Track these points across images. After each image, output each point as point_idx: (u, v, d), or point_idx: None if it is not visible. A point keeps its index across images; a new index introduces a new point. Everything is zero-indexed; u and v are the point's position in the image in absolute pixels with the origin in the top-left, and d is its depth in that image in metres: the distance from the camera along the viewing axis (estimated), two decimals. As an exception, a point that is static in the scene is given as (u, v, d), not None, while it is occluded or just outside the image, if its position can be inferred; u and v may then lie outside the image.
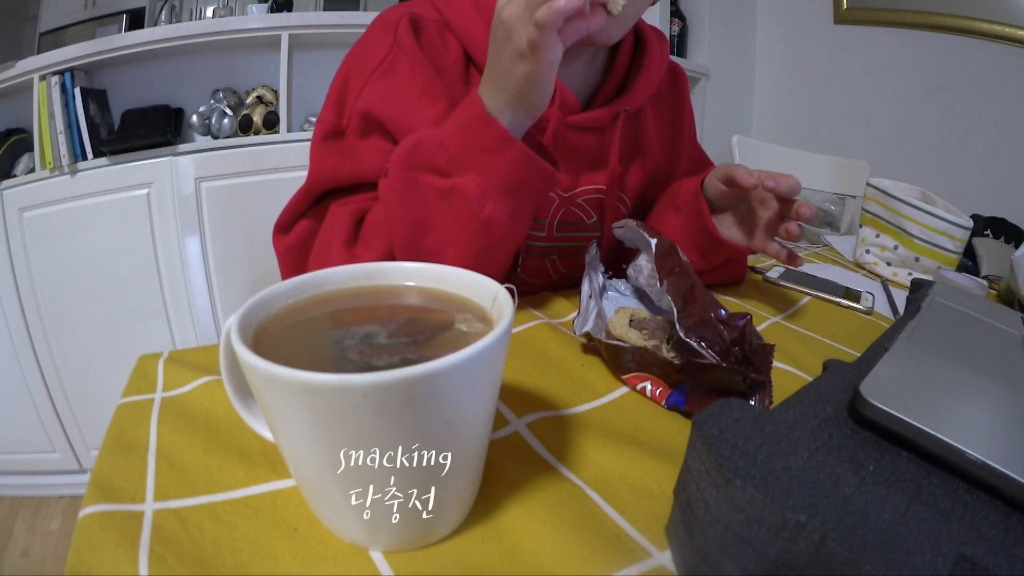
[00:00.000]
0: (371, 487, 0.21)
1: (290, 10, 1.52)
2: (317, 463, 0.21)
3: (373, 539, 0.23)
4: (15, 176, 1.34)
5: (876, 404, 0.24)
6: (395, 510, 0.22)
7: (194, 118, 1.39)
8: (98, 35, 1.48)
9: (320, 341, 0.24)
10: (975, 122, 1.61)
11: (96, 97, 1.35)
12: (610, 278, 0.54)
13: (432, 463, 0.21)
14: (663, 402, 0.36)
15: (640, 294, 0.52)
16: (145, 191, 1.33)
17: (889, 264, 0.77)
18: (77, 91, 1.27)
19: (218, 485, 0.27)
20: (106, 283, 1.37)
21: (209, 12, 1.55)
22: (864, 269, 0.81)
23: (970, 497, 0.21)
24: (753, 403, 0.33)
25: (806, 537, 0.18)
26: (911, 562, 0.17)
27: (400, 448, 0.20)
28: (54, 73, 1.27)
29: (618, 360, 0.38)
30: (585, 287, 0.45)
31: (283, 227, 0.55)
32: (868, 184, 0.81)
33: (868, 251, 0.80)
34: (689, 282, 0.41)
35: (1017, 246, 0.85)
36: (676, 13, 1.99)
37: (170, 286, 1.38)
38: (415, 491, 0.22)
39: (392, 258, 0.46)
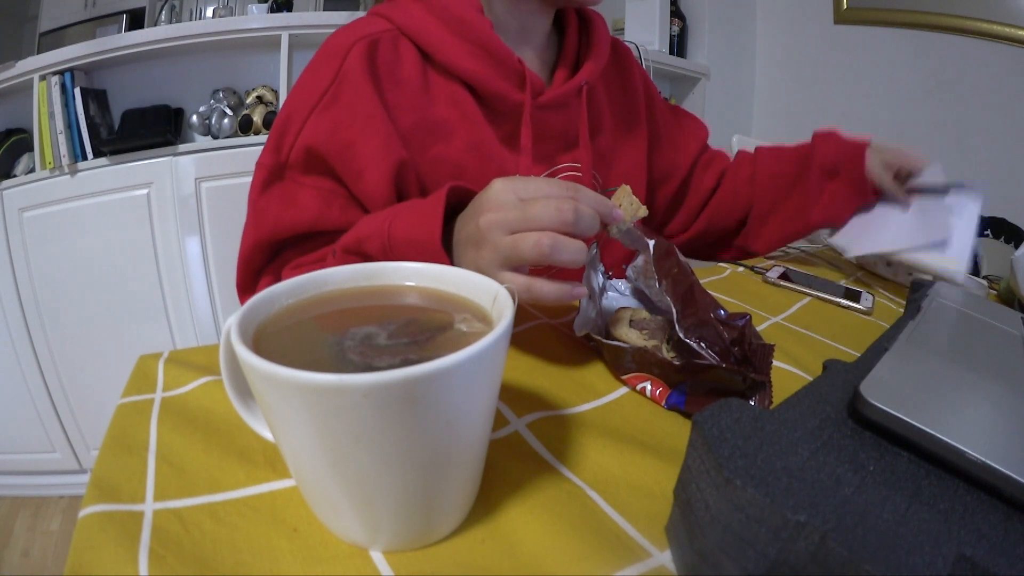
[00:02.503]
0: (371, 487, 0.21)
1: (290, 10, 1.52)
2: (317, 463, 0.21)
3: (373, 539, 0.23)
4: (15, 176, 1.35)
5: (876, 404, 0.24)
6: (395, 510, 0.22)
7: (194, 118, 1.39)
8: (98, 35, 1.48)
9: (320, 342, 0.24)
10: (975, 122, 1.61)
11: (96, 97, 1.35)
12: (610, 278, 0.54)
13: (432, 463, 0.21)
14: (663, 402, 0.36)
15: (640, 294, 0.52)
16: (145, 191, 1.33)
17: (889, 264, 0.77)
18: (77, 91, 1.27)
19: (218, 485, 0.27)
20: (106, 283, 1.37)
21: (209, 12, 1.55)
22: (864, 269, 0.81)
23: (970, 497, 0.21)
24: (753, 403, 0.33)
25: (806, 537, 0.18)
26: (911, 562, 0.17)
27: (400, 448, 0.20)
28: (54, 73, 1.27)
29: (618, 360, 0.38)
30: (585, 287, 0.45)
31: (245, 286, 0.55)
32: (868, 184, 0.81)
33: (868, 251, 0.80)
34: (688, 283, 0.40)
35: (1017, 246, 0.85)
36: (676, 13, 1.99)
37: (170, 286, 1.38)
38: (415, 491, 0.22)
39: None
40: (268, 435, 0.28)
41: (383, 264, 0.29)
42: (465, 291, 0.28)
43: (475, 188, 0.55)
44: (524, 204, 0.34)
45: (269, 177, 0.52)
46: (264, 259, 0.54)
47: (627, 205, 0.41)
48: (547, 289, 0.34)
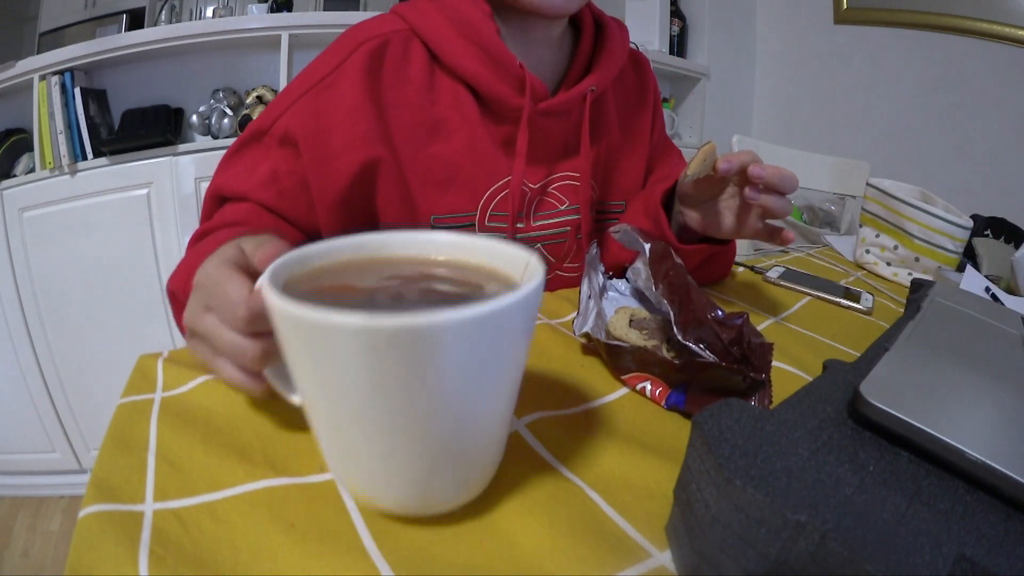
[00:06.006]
0: (394, 439, 0.22)
1: (290, 10, 1.52)
2: (343, 414, 0.21)
3: (392, 498, 0.24)
4: (15, 176, 1.35)
5: (876, 404, 0.24)
6: (414, 467, 0.23)
7: (194, 118, 1.39)
8: (98, 35, 1.48)
9: (349, 300, 0.24)
10: (975, 122, 1.62)
11: (96, 97, 1.35)
12: (610, 278, 0.54)
13: (455, 420, 0.22)
14: (663, 402, 0.36)
15: (639, 295, 0.52)
16: (145, 191, 1.33)
17: (889, 264, 0.77)
18: (77, 91, 1.27)
19: (217, 484, 0.27)
20: (106, 283, 1.37)
21: (209, 12, 1.55)
22: (864, 269, 0.81)
23: (970, 497, 0.21)
24: (753, 402, 0.33)
25: (806, 537, 0.18)
26: (911, 562, 0.17)
27: (423, 400, 0.21)
28: (54, 73, 1.27)
29: (617, 360, 0.38)
30: (585, 287, 0.45)
31: (198, 237, 0.54)
32: (868, 184, 0.81)
33: (868, 251, 0.80)
34: (684, 285, 0.40)
35: (1017, 246, 0.85)
36: (676, 13, 1.99)
37: (170, 286, 1.38)
38: (436, 449, 0.22)
39: None
40: (296, 398, 0.28)
41: (417, 234, 0.30)
42: (497, 262, 0.28)
43: (467, 188, 0.55)
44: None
45: (249, 138, 0.54)
46: (215, 208, 0.55)
47: (697, 162, 0.45)
48: (228, 373, 0.29)
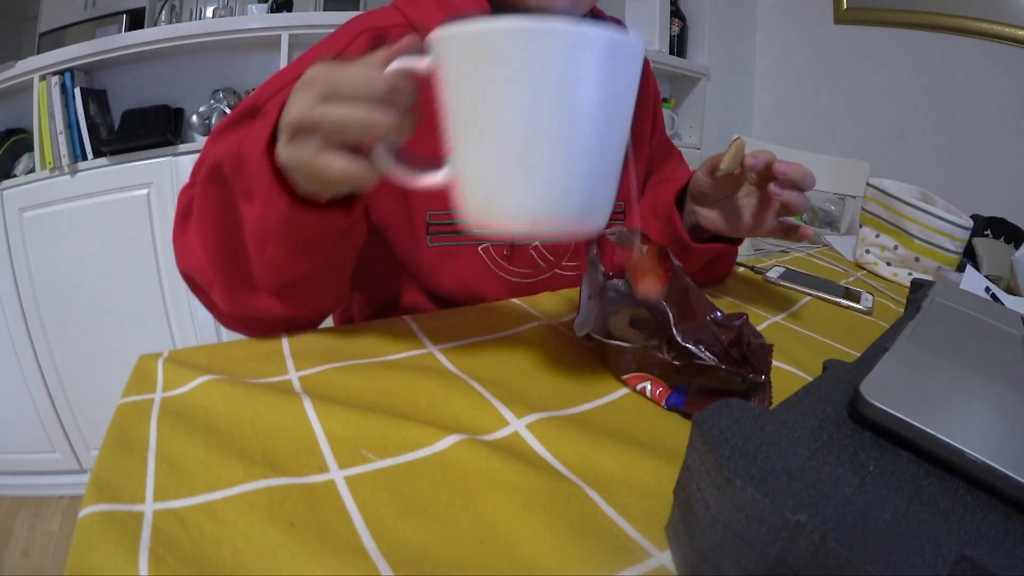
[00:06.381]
0: (567, 142, 0.27)
1: (290, 10, 1.52)
2: (522, 116, 0.27)
3: (550, 204, 0.29)
4: (15, 176, 1.35)
5: (876, 404, 0.24)
6: (570, 171, 0.28)
7: (194, 118, 1.39)
8: (98, 35, 1.48)
9: None
10: (975, 122, 1.62)
11: (96, 97, 1.35)
12: (610, 278, 0.54)
13: (602, 130, 0.28)
14: (663, 402, 0.36)
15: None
16: (145, 191, 1.33)
17: (889, 264, 0.77)
18: (77, 91, 1.27)
19: (217, 484, 0.27)
20: (106, 283, 1.37)
21: (209, 12, 1.56)
22: (864, 269, 0.81)
23: (970, 497, 0.21)
24: (753, 403, 0.33)
25: (806, 537, 0.18)
26: (911, 562, 0.17)
27: (596, 105, 0.27)
28: (54, 73, 1.27)
29: (618, 360, 0.38)
30: (585, 287, 0.45)
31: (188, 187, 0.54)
32: (868, 184, 0.81)
33: (868, 251, 0.80)
34: (682, 286, 0.40)
35: (1017, 246, 0.85)
36: (676, 13, 1.99)
37: (170, 286, 1.38)
38: (587, 154, 0.28)
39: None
40: (422, 179, 0.32)
41: None
42: None
43: None
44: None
45: (243, 113, 0.53)
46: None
47: (730, 156, 0.47)
48: (339, 165, 0.31)
